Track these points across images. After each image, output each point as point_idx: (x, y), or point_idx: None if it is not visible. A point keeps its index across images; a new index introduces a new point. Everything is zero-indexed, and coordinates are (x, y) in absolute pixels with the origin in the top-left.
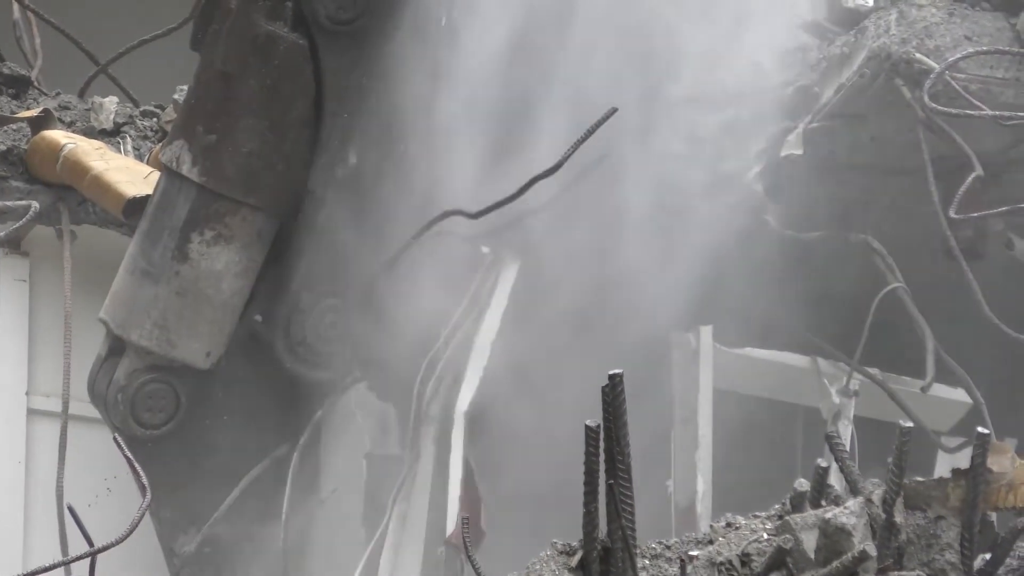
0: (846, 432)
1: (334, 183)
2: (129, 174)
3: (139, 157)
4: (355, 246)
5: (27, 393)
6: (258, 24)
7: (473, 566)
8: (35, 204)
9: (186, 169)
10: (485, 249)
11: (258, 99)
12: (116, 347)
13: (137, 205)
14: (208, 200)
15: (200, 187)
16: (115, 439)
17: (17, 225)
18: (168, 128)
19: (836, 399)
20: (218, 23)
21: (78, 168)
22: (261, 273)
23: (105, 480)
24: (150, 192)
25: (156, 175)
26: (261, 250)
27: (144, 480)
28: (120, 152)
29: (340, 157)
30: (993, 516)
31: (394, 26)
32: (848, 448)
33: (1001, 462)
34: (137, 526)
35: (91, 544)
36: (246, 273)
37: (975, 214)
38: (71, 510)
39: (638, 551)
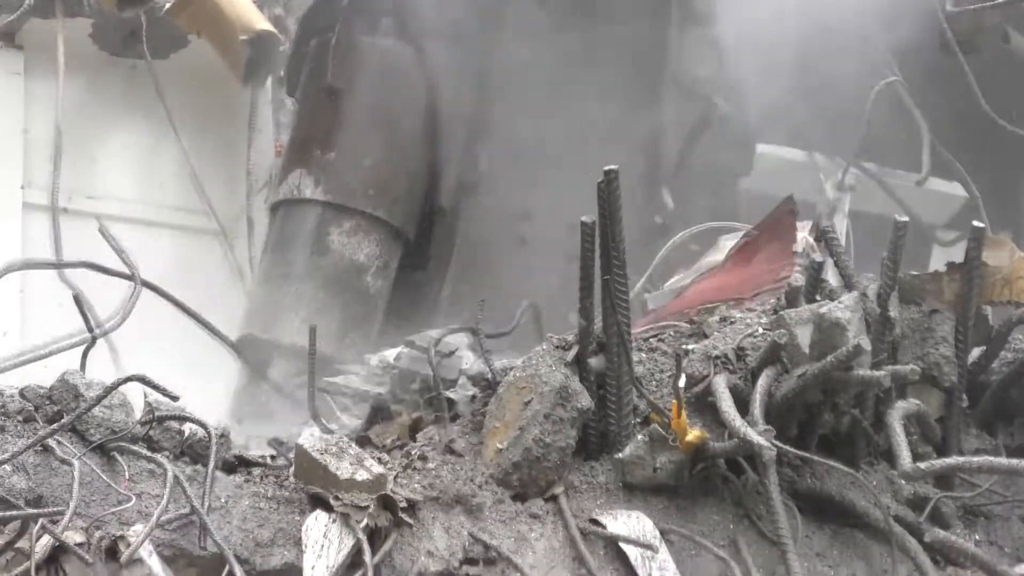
0: (841, 226)
1: (467, 194)
2: None
3: None
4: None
5: (22, 187)
6: (361, 37)
7: None
8: None
9: (309, 192)
10: None
11: (371, 112)
12: (261, 367)
13: None
14: (338, 209)
15: (326, 203)
16: (100, 229)
17: (11, 18)
18: None
19: (831, 193)
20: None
21: None
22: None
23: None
24: None
25: None
26: (395, 259)
27: (135, 269)
28: None
29: (469, 165)
30: (988, 310)
31: (500, 21)
32: (843, 243)
33: (997, 256)
34: (130, 313)
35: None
36: (386, 273)
37: (972, 6)
38: (76, 298)
39: (633, 345)
